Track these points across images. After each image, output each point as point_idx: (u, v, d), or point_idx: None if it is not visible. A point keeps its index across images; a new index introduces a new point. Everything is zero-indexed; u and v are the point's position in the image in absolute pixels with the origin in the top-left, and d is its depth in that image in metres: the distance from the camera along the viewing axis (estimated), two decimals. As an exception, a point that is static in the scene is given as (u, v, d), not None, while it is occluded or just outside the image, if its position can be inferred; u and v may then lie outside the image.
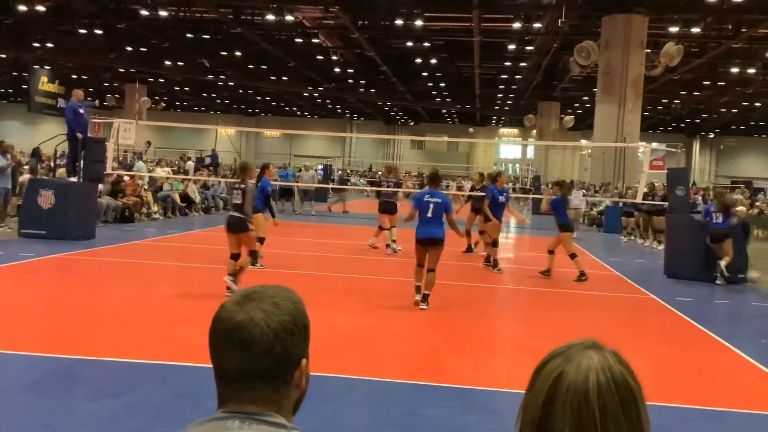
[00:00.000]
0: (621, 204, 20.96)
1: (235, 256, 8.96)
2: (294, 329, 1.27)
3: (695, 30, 27.49)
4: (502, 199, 12.72)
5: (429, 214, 8.97)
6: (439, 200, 9.04)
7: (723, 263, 12.28)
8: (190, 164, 29.65)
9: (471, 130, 64.77)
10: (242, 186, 9.18)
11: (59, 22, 31.89)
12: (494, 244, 12.83)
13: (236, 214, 9.02)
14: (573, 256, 12.19)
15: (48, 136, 18.46)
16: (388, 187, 16.23)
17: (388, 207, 14.80)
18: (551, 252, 12.40)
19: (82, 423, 4.70)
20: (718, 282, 12.39)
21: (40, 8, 28.47)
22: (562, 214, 12.27)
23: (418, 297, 9.01)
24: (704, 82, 39.16)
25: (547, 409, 1.10)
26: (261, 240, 11.43)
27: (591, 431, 1.07)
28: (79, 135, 14.51)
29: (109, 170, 16.71)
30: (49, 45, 36.56)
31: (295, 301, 1.31)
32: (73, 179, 14.60)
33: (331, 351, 6.73)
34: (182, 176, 23.88)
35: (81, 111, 14.72)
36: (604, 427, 1.07)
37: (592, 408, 1.07)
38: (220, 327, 1.26)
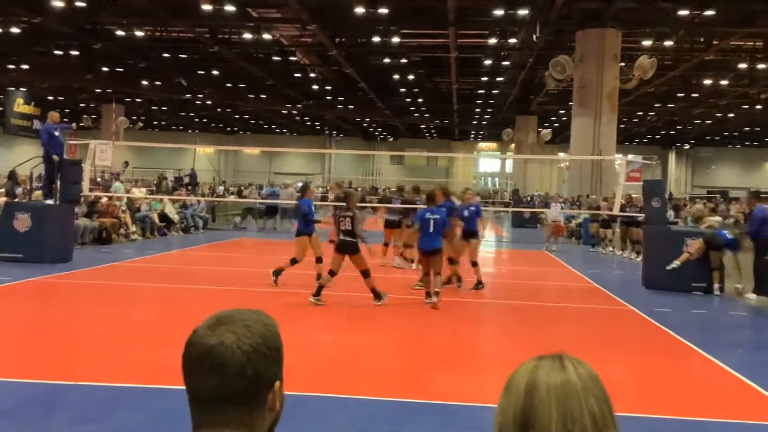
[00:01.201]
0: (600, 217, 21.15)
1: (332, 273, 10.18)
2: (266, 352, 1.27)
3: (668, 43, 27.91)
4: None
5: (431, 229, 10.46)
6: (438, 217, 10.52)
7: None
8: (167, 184, 29.53)
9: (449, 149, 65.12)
10: (349, 213, 10.24)
11: (34, 44, 31.67)
12: (451, 261, 12.18)
13: (348, 238, 10.16)
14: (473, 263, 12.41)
15: (24, 158, 18.32)
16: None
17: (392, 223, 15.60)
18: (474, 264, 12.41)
19: (60, 449, 4.63)
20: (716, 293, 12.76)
21: (15, 30, 28.29)
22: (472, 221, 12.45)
23: (431, 300, 10.38)
24: (678, 94, 39.69)
25: (528, 401, 1.14)
26: (293, 261, 11.87)
27: (576, 412, 1.12)
28: (56, 157, 14.40)
29: (86, 192, 16.57)
30: (25, 67, 36.29)
31: (267, 324, 1.31)
32: (50, 202, 14.47)
33: (313, 369, 6.70)
34: (160, 196, 23.74)
35: (56, 133, 14.61)
36: (588, 404, 1.13)
37: (575, 390, 1.14)
38: (193, 351, 1.26)
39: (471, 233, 12.39)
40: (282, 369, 1.31)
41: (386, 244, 15.53)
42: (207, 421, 1.25)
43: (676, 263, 12.81)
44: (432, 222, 10.48)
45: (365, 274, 10.21)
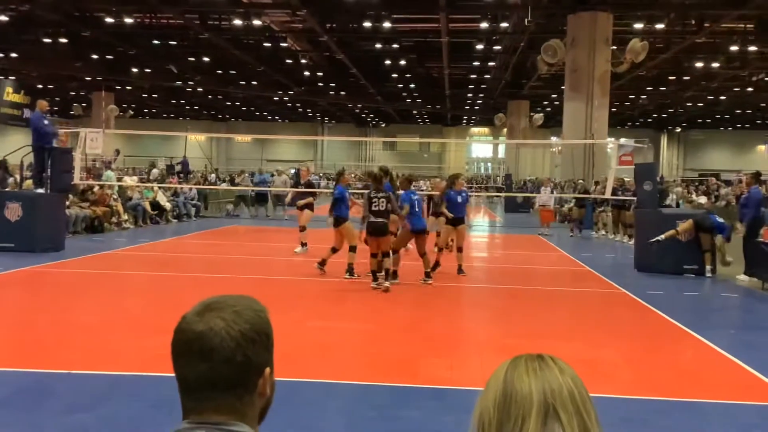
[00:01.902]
0: (593, 201, 21.24)
1: (375, 255, 10.36)
2: (255, 337, 1.26)
3: (659, 26, 27.87)
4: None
5: (417, 209, 11.13)
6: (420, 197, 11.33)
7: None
8: (155, 172, 29.36)
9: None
10: (384, 194, 10.33)
11: (23, 32, 31.39)
12: (440, 249, 12.74)
13: (381, 219, 10.23)
14: (440, 250, 12.67)
15: (15, 147, 18.18)
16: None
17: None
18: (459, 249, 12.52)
19: (54, 438, 4.63)
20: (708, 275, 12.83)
21: (3, 18, 28.02)
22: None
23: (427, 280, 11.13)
24: (670, 78, 39.70)
25: (507, 400, 1.12)
26: (353, 248, 11.48)
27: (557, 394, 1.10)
28: (56, 142, 14.24)
29: (77, 180, 16.50)
30: (14, 55, 36.03)
31: (256, 310, 1.30)
32: (41, 191, 14.40)
33: (306, 356, 6.71)
34: (151, 184, 23.66)
35: (46, 122, 14.52)
36: (567, 385, 1.11)
37: (557, 379, 1.12)
38: (181, 338, 1.25)
39: (460, 220, 12.39)
40: (272, 355, 1.30)
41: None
42: (197, 407, 1.24)
43: (660, 237, 12.82)
44: (416, 202, 11.19)
45: (388, 254, 10.42)
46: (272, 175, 27.67)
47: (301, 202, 14.99)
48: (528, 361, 1.17)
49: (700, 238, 12.89)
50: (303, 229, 14.59)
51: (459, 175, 13.40)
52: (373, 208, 10.22)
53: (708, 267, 12.82)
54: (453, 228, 12.41)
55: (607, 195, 17.19)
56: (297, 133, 64.75)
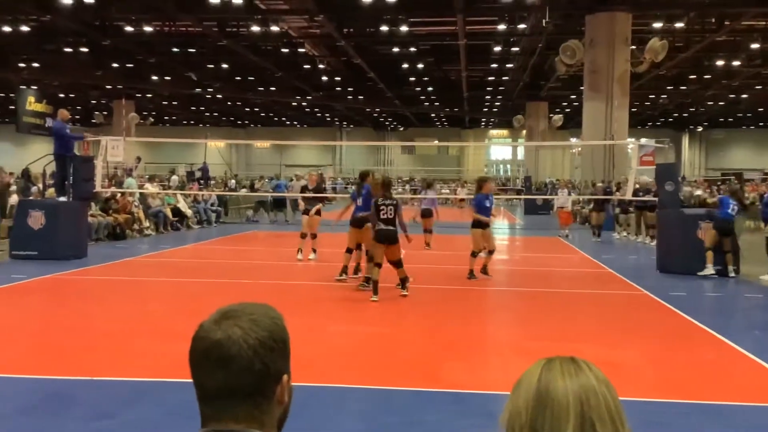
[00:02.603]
0: (616, 202, 21.06)
1: (380, 265, 9.99)
2: (273, 345, 1.27)
3: (679, 25, 27.65)
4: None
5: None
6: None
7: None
8: (174, 179, 29.60)
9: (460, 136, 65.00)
10: (392, 201, 10.06)
11: (44, 42, 31.82)
12: (474, 254, 12.37)
13: (390, 227, 9.97)
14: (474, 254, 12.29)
15: (38, 155, 18.40)
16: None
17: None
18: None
19: (78, 444, 4.68)
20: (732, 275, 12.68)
21: (25, 28, 28.40)
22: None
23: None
24: (690, 76, 39.35)
25: (541, 402, 1.12)
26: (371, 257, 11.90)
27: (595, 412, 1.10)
28: (77, 148, 14.38)
29: (98, 188, 16.66)
30: (35, 65, 36.50)
31: (273, 317, 1.31)
32: (63, 199, 14.56)
33: (326, 360, 6.72)
34: (172, 191, 23.83)
35: (67, 131, 14.69)
36: (606, 403, 1.12)
37: (594, 390, 1.12)
38: (199, 346, 1.26)
39: (487, 223, 12.28)
40: (289, 362, 1.31)
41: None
42: (216, 415, 1.26)
43: (709, 267, 12.63)
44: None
45: (399, 264, 10.11)
46: (290, 181, 27.75)
47: (314, 210, 14.69)
48: (563, 365, 1.16)
49: (722, 240, 12.75)
50: (314, 236, 14.54)
51: (488, 178, 13.38)
52: (382, 216, 9.96)
53: (731, 267, 12.68)
54: (482, 232, 12.28)
55: (628, 196, 17.05)
56: (315, 138, 64.94)
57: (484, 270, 12.27)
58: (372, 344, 7.66)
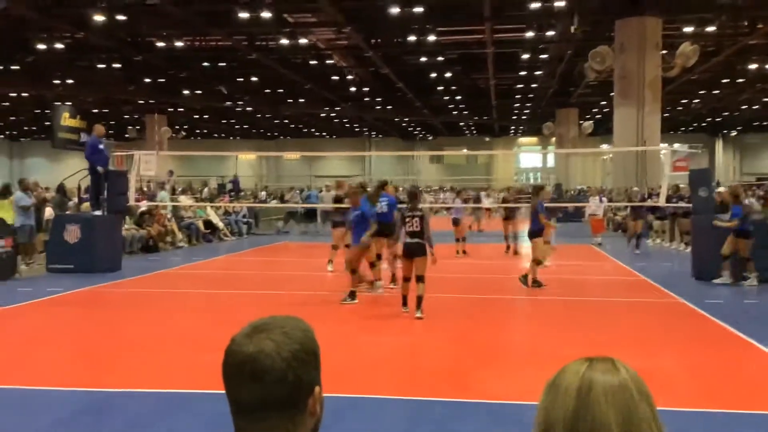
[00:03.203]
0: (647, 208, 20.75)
1: (409, 279, 9.60)
2: (305, 357, 1.28)
3: (710, 29, 27.27)
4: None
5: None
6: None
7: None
8: (205, 191, 29.94)
9: (486, 139, 64.78)
10: (418, 213, 9.57)
11: (78, 58, 32.41)
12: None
13: (416, 240, 9.46)
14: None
15: (73, 170, 18.73)
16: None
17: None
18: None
19: (114, 455, 4.73)
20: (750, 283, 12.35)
21: (59, 46, 28.97)
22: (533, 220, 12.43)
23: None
24: (723, 80, 38.76)
25: (582, 401, 1.12)
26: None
27: (634, 415, 1.10)
28: (101, 169, 14.71)
29: (132, 202, 16.91)
30: (69, 81, 37.17)
31: (304, 329, 1.31)
32: (98, 213, 14.78)
33: (358, 370, 6.72)
34: (205, 204, 24.09)
35: (101, 146, 14.93)
36: (641, 407, 1.11)
37: (631, 392, 1.12)
38: (232, 360, 1.27)
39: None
40: (320, 373, 1.32)
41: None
42: (250, 428, 1.26)
43: (724, 276, 12.46)
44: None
45: (422, 279, 9.48)
46: (320, 191, 27.87)
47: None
48: (603, 364, 1.16)
49: (739, 245, 12.42)
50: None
51: (544, 185, 13.49)
52: (408, 228, 9.47)
53: (753, 275, 12.36)
54: (540, 240, 12.31)
55: (661, 202, 16.84)
56: (345, 149, 65.16)
57: (534, 280, 12.23)
58: (403, 354, 7.64)
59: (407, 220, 9.51)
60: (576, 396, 1.12)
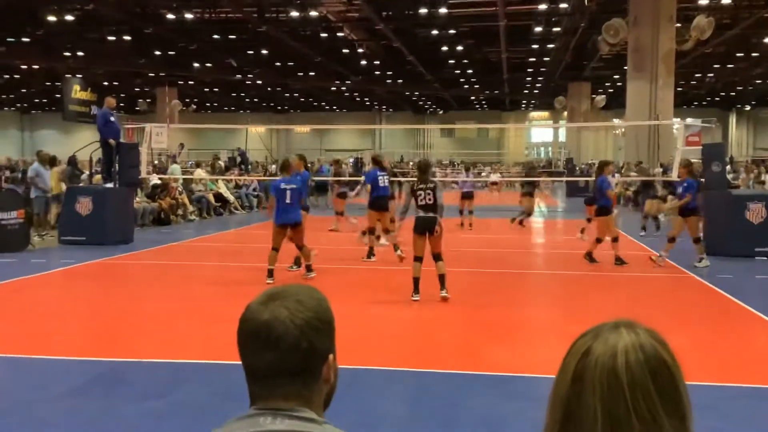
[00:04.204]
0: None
1: (421, 259, 8.90)
2: (319, 325, 1.29)
3: (726, 1, 26.87)
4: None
5: (288, 200, 10.06)
6: (294, 186, 10.17)
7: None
8: (220, 164, 29.96)
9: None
10: (431, 184, 8.96)
11: (88, 31, 32.31)
12: (615, 239, 12.06)
13: (430, 214, 8.83)
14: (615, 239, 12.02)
15: (84, 143, 18.77)
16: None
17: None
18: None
19: (128, 424, 4.80)
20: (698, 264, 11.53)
21: (69, 18, 28.87)
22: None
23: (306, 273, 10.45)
24: (737, 54, 38.25)
25: (576, 386, 1.09)
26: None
27: (621, 405, 1.05)
28: (112, 141, 14.75)
29: (144, 175, 16.96)
30: (80, 54, 37.11)
31: (318, 298, 1.33)
32: (110, 185, 14.84)
33: (368, 343, 6.77)
34: (216, 176, 24.14)
35: (112, 119, 14.95)
36: (634, 400, 1.05)
37: (620, 381, 1.06)
38: (247, 327, 1.29)
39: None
40: (334, 342, 1.33)
41: (340, 213, 17.54)
42: (264, 394, 1.28)
43: (704, 259, 11.55)
44: (289, 192, 10.07)
45: (440, 257, 8.92)
46: (331, 165, 27.86)
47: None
48: (617, 326, 1.14)
49: (688, 223, 11.62)
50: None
51: (609, 161, 13.32)
52: (420, 203, 8.84)
53: (704, 256, 11.64)
54: (610, 217, 11.93)
55: (674, 176, 16.71)
56: (355, 123, 64.98)
57: (618, 259, 11.84)
58: (413, 327, 7.68)
59: (419, 193, 8.89)
60: (571, 379, 1.10)
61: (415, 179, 9.43)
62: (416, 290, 8.87)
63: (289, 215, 10.17)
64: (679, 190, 11.86)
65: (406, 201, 9.27)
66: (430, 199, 8.84)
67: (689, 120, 21.56)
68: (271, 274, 9.98)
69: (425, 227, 8.82)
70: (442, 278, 8.83)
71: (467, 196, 18.46)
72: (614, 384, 1.06)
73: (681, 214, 11.70)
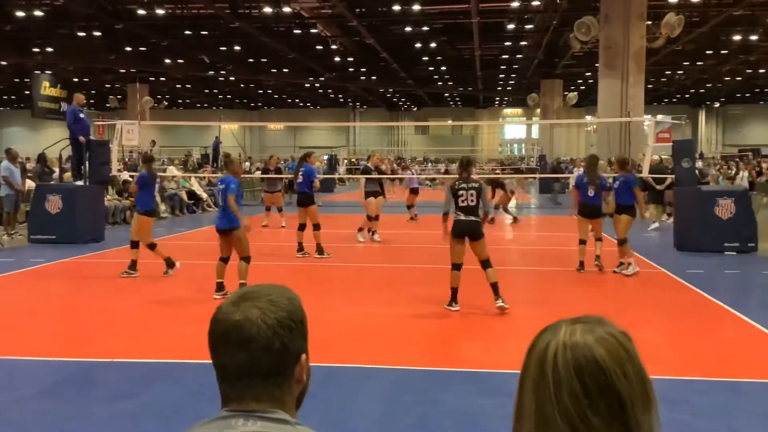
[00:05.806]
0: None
1: (459, 267, 8.17)
2: (291, 325, 1.27)
3: (695, -1, 27.23)
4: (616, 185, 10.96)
5: (220, 202, 9.28)
6: (223, 186, 9.14)
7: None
8: (192, 161, 29.78)
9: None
10: (475, 184, 8.08)
11: (58, 26, 31.84)
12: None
13: (472, 217, 7.99)
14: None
15: (53, 140, 18.50)
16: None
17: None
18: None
19: (99, 426, 4.74)
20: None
21: (38, 13, 28.45)
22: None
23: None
24: (707, 52, 38.79)
25: (522, 381, 1.11)
26: (317, 226, 12.50)
27: (547, 404, 1.05)
28: (82, 138, 14.55)
29: (114, 172, 16.74)
30: (49, 49, 36.55)
31: (290, 298, 1.31)
32: (80, 183, 14.64)
33: (342, 341, 6.75)
34: (188, 174, 23.93)
35: (81, 115, 14.74)
36: (559, 400, 1.04)
37: (547, 380, 1.06)
38: (218, 328, 1.27)
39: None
40: (307, 341, 1.32)
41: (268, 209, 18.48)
42: (236, 396, 1.26)
43: (632, 265, 10.73)
44: (219, 194, 9.19)
45: (489, 263, 8.08)
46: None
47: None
48: (574, 324, 1.15)
49: (621, 222, 10.72)
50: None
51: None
52: (461, 203, 7.94)
53: (632, 260, 10.81)
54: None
55: (645, 173, 16.90)
56: (329, 120, 64.78)
57: (598, 258, 11.06)
58: (388, 325, 7.66)
59: (460, 193, 7.95)
60: (525, 357, 1.13)
61: (456, 177, 8.44)
62: (454, 299, 8.14)
63: (217, 220, 9.22)
64: (616, 184, 10.92)
65: (447, 201, 8.14)
66: (472, 200, 7.96)
67: (660, 117, 21.85)
68: (220, 287, 8.84)
69: (466, 232, 7.99)
70: (495, 287, 8.03)
71: (415, 192, 20.07)
72: (542, 382, 1.07)
73: (615, 211, 10.90)
